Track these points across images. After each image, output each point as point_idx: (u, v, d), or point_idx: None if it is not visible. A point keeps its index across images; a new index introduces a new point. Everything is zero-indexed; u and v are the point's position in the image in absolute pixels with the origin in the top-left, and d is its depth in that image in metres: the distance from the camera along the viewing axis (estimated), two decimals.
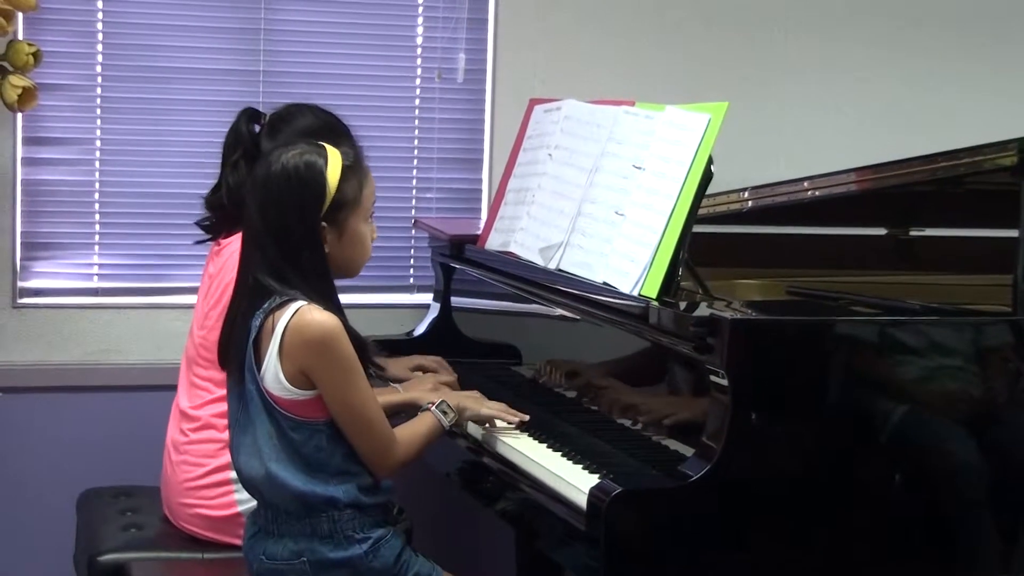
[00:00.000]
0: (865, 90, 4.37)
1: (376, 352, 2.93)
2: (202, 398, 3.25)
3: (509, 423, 2.99)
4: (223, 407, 3.16)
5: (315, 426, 2.77)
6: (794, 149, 4.25)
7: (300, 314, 2.72)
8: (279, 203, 2.76)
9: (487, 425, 3.02)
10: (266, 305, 2.75)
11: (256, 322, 2.75)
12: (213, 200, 3.35)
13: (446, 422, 2.92)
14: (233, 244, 3.24)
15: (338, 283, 2.81)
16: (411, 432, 2.88)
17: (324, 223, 2.77)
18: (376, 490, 2.84)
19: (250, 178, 2.90)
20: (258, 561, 2.84)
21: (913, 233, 3.80)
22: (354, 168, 2.82)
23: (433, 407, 2.93)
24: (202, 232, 3.39)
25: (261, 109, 3.58)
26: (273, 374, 2.75)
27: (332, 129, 3.28)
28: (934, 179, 3.12)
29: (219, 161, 3.39)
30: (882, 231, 3.81)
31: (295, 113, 3.34)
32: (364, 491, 2.81)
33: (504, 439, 2.96)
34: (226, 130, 3.43)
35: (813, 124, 4.32)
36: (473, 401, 3.02)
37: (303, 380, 2.74)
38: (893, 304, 2.88)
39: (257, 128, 3.35)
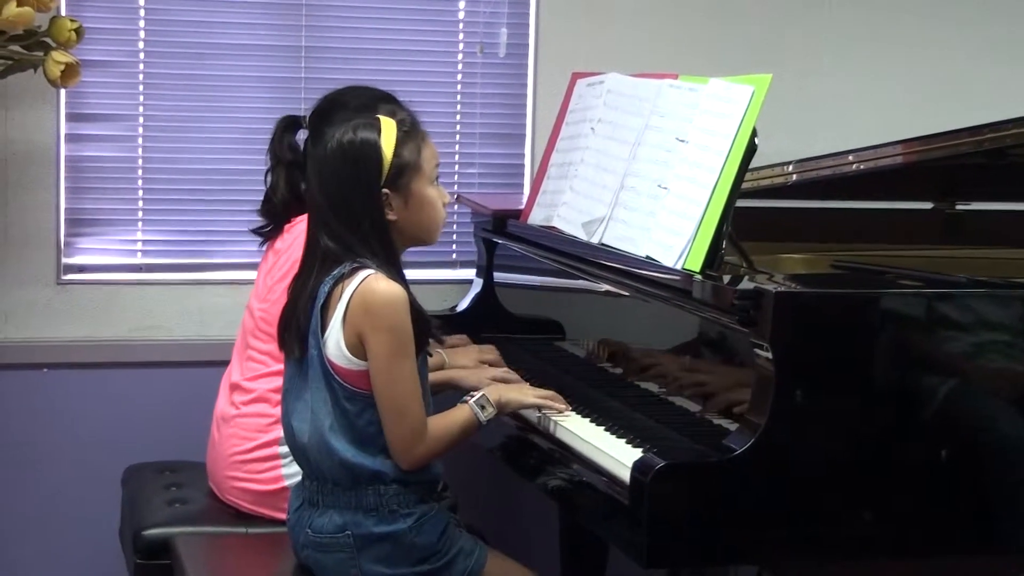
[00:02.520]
0: (912, 61, 4.33)
1: (438, 327, 2.93)
2: (257, 371, 3.25)
3: (558, 411, 2.95)
4: (278, 382, 3.16)
5: (369, 399, 2.77)
6: (839, 122, 4.21)
7: (368, 282, 2.75)
8: (337, 179, 2.79)
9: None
10: (336, 272, 2.77)
11: (325, 288, 2.77)
12: (265, 210, 3.36)
13: (483, 417, 2.86)
14: (303, 222, 3.23)
15: None
16: (444, 426, 2.83)
17: (388, 191, 2.79)
18: (423, 467, 2.84)
19: (309, 158, 2.92)
20: (303, 535, 2.85)
21: (960, 207, 3.76)
22: (410, 133, 2.84)
23: (471, 400, 2.87)
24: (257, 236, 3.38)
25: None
26: (335, 341, 2.76)
27: (381, 100, 3.28)
28: (980, 151, 3.09)
29: (262, 136, 3.40)
30: (928, 205, 3.78)
31: (338, 103, 3.31)
32: None
33: (547, 414, 2.95)
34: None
35: (859, 96, 4.28)
36: (517, 392, 2.97)
37: (362, 349, 2.75)
38: (940, 278, 2.85)
39: (298, 133, 3.34)
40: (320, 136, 3.13)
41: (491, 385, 2.98)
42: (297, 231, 3.24)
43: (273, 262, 3.29)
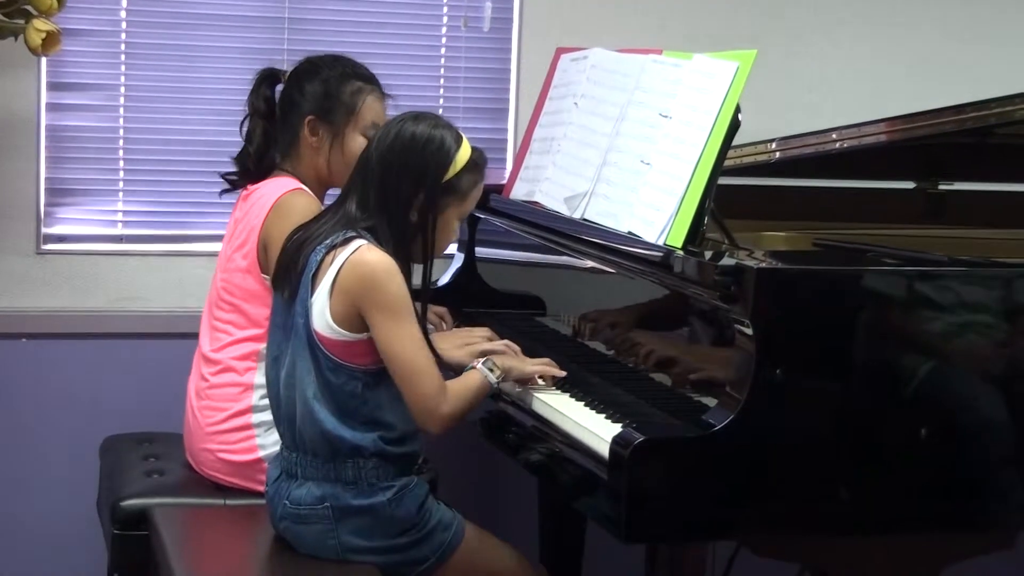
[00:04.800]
0: (896, 40, 4.32)
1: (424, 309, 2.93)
2: (222, 341, 3.24)
3: (555, 377, 2.96)
4: (242, 349, 3.18)
5: (353, 371, 2.78)
6: (823, 100, 4.21)
7: (359, 252, 2.77)
8: (404, 161, 2.84)
9: (529, 383, 2.97)
10: (328, 241, 2.79)
11: (317, 257, 2.79)
12: (240, 158, 3.36)
13: (493, 379, 2.88)
14: (261, 190, 3.24)
15: None
16: (460, 388, 2.85)
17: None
18: (402, 441, 2.84)
19: (383, 127, 2.94)
20: (281, 506, 2.85)
21: (942, 187, 3.77)
22: (478, 166, 2.92)
23: (479, 364, 2.90)
24: (226, 183, 3.38)
25: (285, 56, 3.57)
26: (320, 311, 2.77)
27: (361, 79, 3.29)
28: (963, 129, 3.09)
29: (245, 109, 3.38)
30: (911, 185, 3.78)
31: (319, 65, 3.32)
32: (390, 442, 2.82)
33: (528, 388, 2.95)
34: (251, 77, 3.41)
35: (843, 74, 4.28)
36: (517, 360, 2.99)
37: (350, 321, 2.76)
38: (921, 256, 2.85)
39: (273, 90, 3.34)
40: (295, 105, 3.18)
41: (491, 356, 2.99)
42: (254, 199, 3.24)
43: (232, 231, 3.29)
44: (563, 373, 2.97)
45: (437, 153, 2.85)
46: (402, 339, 2.76)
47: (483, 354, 2.98)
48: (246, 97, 3.37)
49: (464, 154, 2.88)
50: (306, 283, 2.79)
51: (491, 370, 2.89)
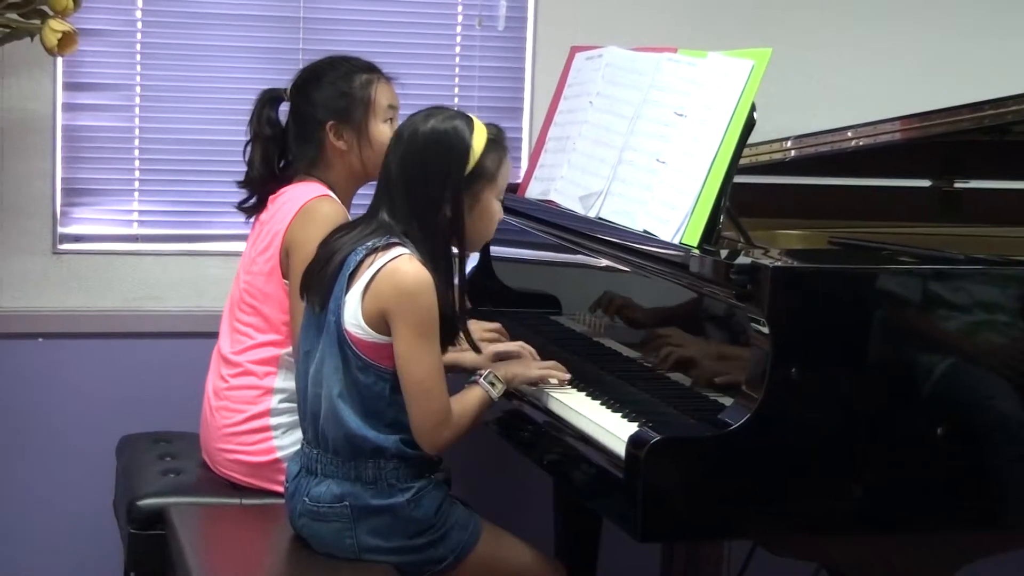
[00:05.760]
0: (913, 37, 4.31)
1: (465, 322, 2.93)
2: (243, 343, 3.24)
3: (560, 381, 2.95)
4: (263, 353, 3.18)
5: (381, 372, 2.79)
6: (839, 98, 4.20)
7: (398, 260, 2.76)
8: (423, 162, 2.83)
9: (537, 385, 2.97)
10: (371, 243, 2.79)
11: (357, 256, 2.79)
12: (246, 182, 3.34)
13: (495, 394, 2.88)
14: (287, 194, 3.23)
15: None
16: (462, 408, 2.84)
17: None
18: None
19: (395, 134, 2.93)
20: (301, 503, 2.86)
21: (958, 185, 3.76)
22: (497, 143, 2.89)
23: (481, 379, 2.89)
24: (241, 210, 3.36)
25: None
26: (353, 311, 2.78)
27: (363, 70, 3.29)
28: (981, 127, 3.08)
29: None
30: (926, 183, 3.77)
31: (320, 71, 3.31)
32: (411, 444, 2.83)
33: (544, 387, 2.95)
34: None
35: (859, 72, 4.26)
36: (521, 366, 2.98)
37: (381, 324, 2.77)
38: (937, 255, 2.85)
39: (276, 111, 3.32)
40: (307, 117, 3.17)
41: (495, 364, 2.98)
42: (280, 202, 3.23)
43: (257, 233, 3.29)
44: (568, 376, 2.96)
45: (454, 147, 2.84)
46: (420, 357, 2.76)
47: (495, 356, 2.98)
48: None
49: (480, 139, 2.85)
50: (342, 282, 2.79)
51: (492, 384, 2.88)
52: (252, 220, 3.35)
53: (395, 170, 2.85)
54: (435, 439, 2.80)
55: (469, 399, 2.87)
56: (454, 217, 2.83)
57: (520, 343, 3.10)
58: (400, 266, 2.76)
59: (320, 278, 2.84)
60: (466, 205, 2.85)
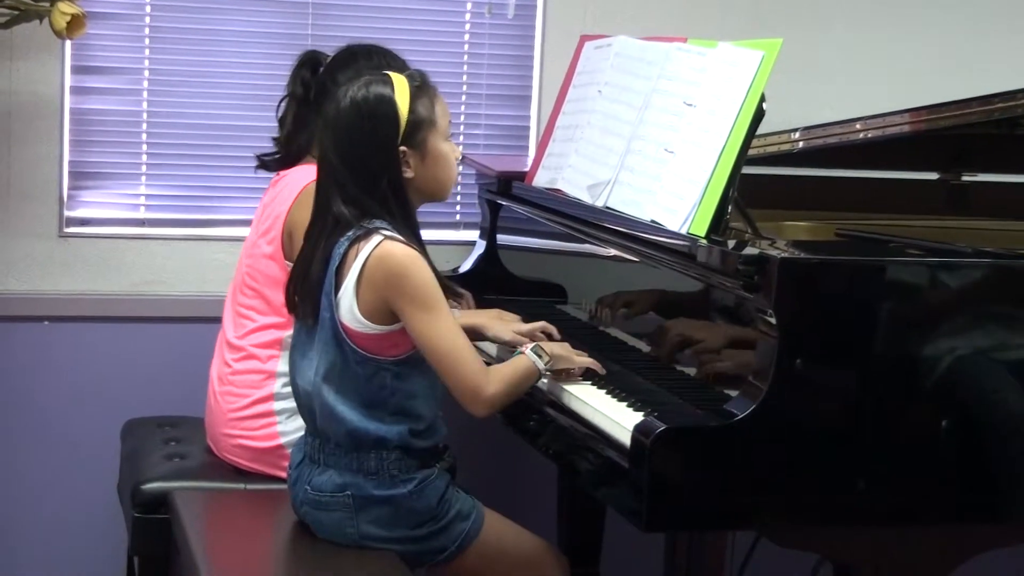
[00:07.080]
0: (923, 29, 4.30)
1: (450, 286, 2.89)
2: (245, 327, 3.25)
3: (600, 374, 2.92)
4: (265, 336, 3.18)
5: (381, 363, 2.77)
6: (848, 89, 4.19)
7: (383, 245, 2.73)
8: (352, 137, 2.77)
9: (569, 375, 2.92)
10: (350, 234, 2.76)
11: (340, 250, 2.76)
12: (276, 139, 3.36)
13: (542, 365, 2.84)
14: (289, 176, 3.24)
15: None
16: (506, 371, 2.81)
17: (404, 148, 2.78)
18: (427, 434, 2.84)
19: (320, 118, 2.90)
20: (303, 491, 2.86)
21: (965, 178, 3.75)
22: (423, 88, 2.82)
23: (527, 349, 2.86)
24: (259, 162, 3.38)
25: (310, 41, 3.55)
26: (348, 305, 2.75)
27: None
28: (990, 120, 3.07)
29: (268, 92, 3.38)
30: (934, 176, 3.76)
31: (357, 56, 3.31)
32: (416, 435, 2.82)
33: (565, 380, 2.92)
34: (275, 61, 3.40)
35: (869, 64, 4.26)
36: (565, 350, 2.92)
37: (380, 314, 2.74)
38: (944, 247, 2.84)
39: (313, 74, 3.33)
40: (327, 94, 3.13)
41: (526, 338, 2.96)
42: (282, 184, 3.24)
43: (259, 216, 3.29)
44: (604, 371, 2.92)
45: (379, 112, 2.76)
46: (438, 328, 2.73)
47: (533, 338, 2.96)
48: (270, 81, 3.37)
49: (403, 93, 2.78)
50: (330, 278, 2.77)
51: (539, 356, 2.85)
52: (257, 204, 3.35)
53: (332, 157, 2.78)
54: (481, 399, 2.75)
55: (514, 363, 2.83)
56: (393, 181, 2.76)
57: (543, 322, 3.07)
58: (386, 250, 2.72)
59: (306, 288, 2.80)
60: (416, 159, 2.79)
